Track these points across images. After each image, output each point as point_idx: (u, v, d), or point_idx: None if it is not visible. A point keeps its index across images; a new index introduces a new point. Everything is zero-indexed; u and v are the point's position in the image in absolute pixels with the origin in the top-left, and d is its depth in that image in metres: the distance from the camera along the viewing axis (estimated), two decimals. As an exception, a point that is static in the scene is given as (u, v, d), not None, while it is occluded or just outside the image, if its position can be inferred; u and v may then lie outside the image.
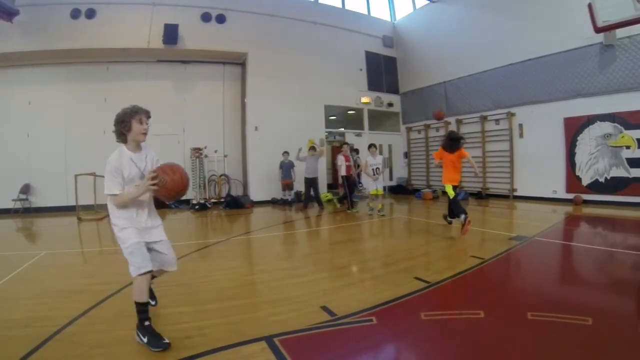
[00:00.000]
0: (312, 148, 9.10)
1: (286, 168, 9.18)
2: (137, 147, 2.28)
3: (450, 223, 5.80)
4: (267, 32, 10.49)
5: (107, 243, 5.80)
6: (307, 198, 8.98)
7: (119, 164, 2.16)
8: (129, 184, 2.19)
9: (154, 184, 2.07)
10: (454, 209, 5.31)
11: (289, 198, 9.68)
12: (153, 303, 2.58)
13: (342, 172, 7.97)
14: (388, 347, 2.12)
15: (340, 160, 7.89)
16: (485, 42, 10.02)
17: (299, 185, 9.54)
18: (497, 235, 5.20)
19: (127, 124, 2.20)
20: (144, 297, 2.16)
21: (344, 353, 2.03)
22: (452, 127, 11.27)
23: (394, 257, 4.39)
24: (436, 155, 5.71)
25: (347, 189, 8.04)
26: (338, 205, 7.42)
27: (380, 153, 12.64)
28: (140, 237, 2.21)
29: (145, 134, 2.25)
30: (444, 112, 6.15)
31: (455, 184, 5.40)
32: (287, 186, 9.34)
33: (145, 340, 2.07)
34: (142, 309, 2.15)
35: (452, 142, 5.43)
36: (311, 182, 8.84)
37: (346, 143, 7.77)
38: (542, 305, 2.58)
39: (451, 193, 5.30)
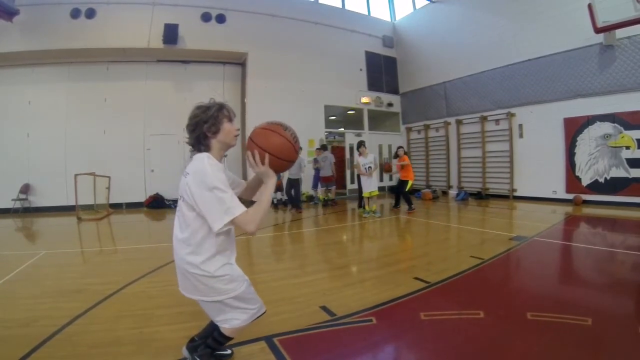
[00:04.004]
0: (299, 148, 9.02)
1: None
2: (222, 156, 1.69)
3: (413, 209, 7.77)
4: (267, 32, 10.50)
5: (107, 243, 5.81)
6: (291, 198, 8.89)
7: (222, 173, 1.55)
8: None
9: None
10: (409, 199, 8.00)
11: (282, 198, 9.65)
12: (229, 352, 2.05)
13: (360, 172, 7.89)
14: (388, 347, 2.12)
15: (357, 160, 7.85)
16: (485, 42, 10.02)
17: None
18: (497, 235, 5.20)
19: (215, 123, 1.60)
20: (236, 335, 1.82)
21: (343, 353, 2.03)
22: (452, 128, 11.30)
23: (394, 257, 4.40)
24: (407, 159, 8.06)
25: (360, 188, 7.99)
26: (364, 215, 7.41)
27: (380, 153, 12.70)
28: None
29: (237, 136, 1.71)
30: (389, 165, 9.04)
31: None
32: (277, 187, 9.26)
33: None
34: (224, 342, 1.82)
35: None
36: (292, 183, 8.79)
37: (363, 142, 7.73)
38: (542, 305, 2.58)
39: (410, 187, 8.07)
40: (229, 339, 1.79)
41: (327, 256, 4.52)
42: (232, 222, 1.47)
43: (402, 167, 8.07)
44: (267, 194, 1.61)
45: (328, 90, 11.37)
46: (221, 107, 1.65)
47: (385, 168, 8.91)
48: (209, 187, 1.46)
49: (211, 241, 1.58)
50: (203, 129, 1.60)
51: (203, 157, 1.57)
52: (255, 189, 1.87)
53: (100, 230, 6.68)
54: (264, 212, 1.55)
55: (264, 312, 1.78)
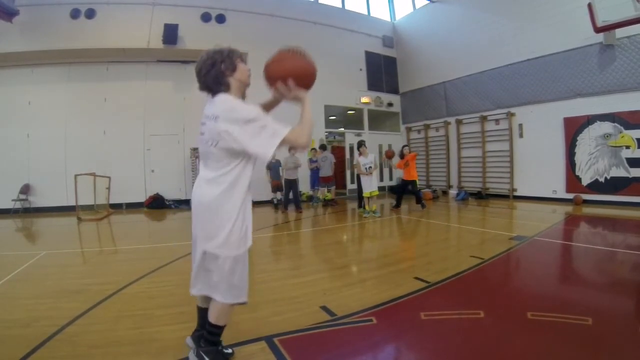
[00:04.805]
0: (292, 148, 8.95)
1: (274, 168, 8.99)
2: (240, 98, 1.70)
3: (424, 207, 8.09)
4: (267, 32, 10.49)
5: (107, 243, 5.81)
6: (287, 200, 8.86)
7: (252, 105, 1.59)
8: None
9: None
10: (421, 197, 8.31)
11: (282, 199, 9.61)
12: (230, 351, 2.00)
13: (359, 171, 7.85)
14: (388, 347, 2.12)
15: (357, 160, 7.84)
16: (485, 42, 10.03)
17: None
18: (497, 235, 5.19)
19: (232, 62, 1.65)
20: (227, 320, 1.81)
21: (344, 353, 2.03)
22: (452, 127, 11.30)
23: (394, 257, 4.40)
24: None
25: (360, 188, 7.97)
26: (364, 215, 7.35)
27: (380, 153, 12.69)
28: None
29: (250, 76, 1.75)
30: (392, 152, 9.14)
31: None
32: (277, 187, 9.23)
33: None
34: (220, 332, 1.81)
35: None
36: (290, 184, 8.71)
37: (363, 141, 7.70)
38: (542, 305, 2.58)
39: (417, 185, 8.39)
40: (220, 327, 1.78)
41: (327, 256, 4.52)
42: (282, 142, 1.50)
43: (406, 165, 8.07)
44: (307, 110, 1.64)
45: (328, 90, 11.34)
46: (232, 49, 1.70)
47: (386, 154, 8.87)
48: (246, 119, 1.48)
49: (245, 177, 1.61)
50: (221, 67, 1.62)
51: (227, 97, 1.59)
52: (267, 108, 1.92)
53: (101, 231, 6.69)
54: (310, 126, 1.61)
55: (244, 303, 1.76)
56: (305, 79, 1.67)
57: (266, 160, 1.53)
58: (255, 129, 1.48)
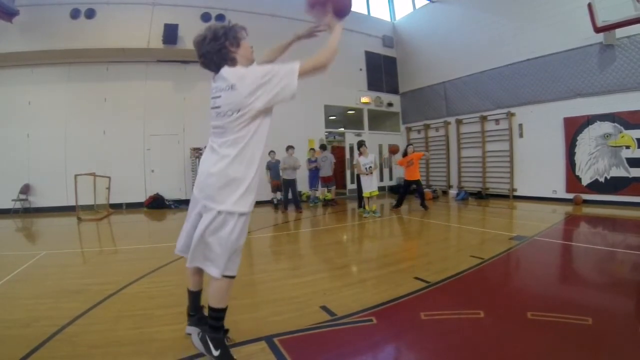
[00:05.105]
0: (290, 147, 8.95)
1: (274, 169, 9.00)
2: None
3: (427, 208, 7.90)
4: (267, 32, 10.44)
5: (107, 243, 5.81)
6: (287, 200, 8.84)
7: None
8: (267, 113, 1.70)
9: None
10: (424, 198, 8.13)
11: (282, 198, 9.61)
12: (226, 328, 1.99)
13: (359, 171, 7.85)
14: (388, 347, 2.12)
15: (357, 160, 7.85)
16: (485, 42, 10.02)
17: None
18: (497, 235, 5.19)
19: (236, 37, 1.67)
20: (227, 301, 1.79)
21: (344, 353, 2.03)
22: (452, 127, 11.30)
23: (394, 257, 4.40)
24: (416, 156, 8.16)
25: (360, 188, 7.96)
26: (364, 215, 7.30)
27: (380, 153, 12.70)
28: None
29: (253, 52, 1.80)
30: (396, 147, 9.07)
31: None
32: (277, 187, 9.23)
33: (217, 353, 1.73)
34: (222, 316, 1.78)
35: None
36: (289, 184, 8.70)
37: (363, 141, 7.69)
38: (542, 305, 2.58)
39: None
40: (222, 310, 1.79)
41: (327, 256, 4.52)
42: (303, 71, 1.61)
43: (410, 164, 8.04)
44: (334, 37, 1.73)
45: (328, 90, 11.36)
46: (233, 23, 1.73)
47: (390, 150, 8.89)
48: (261, 76, 1.57)
49: (262, 135, 1.69)
50: (225, 43, 1.64)
51: (232, 68, 1.65)
52: (274, 53, 2.14)
53: (101, 231, 6.69)
54: (334, 48, 1.69)
55: (234, 277, 1.80)
56: (341, 7, 1.80)
57: (294, 95, 1.60)
58: (272, 76, 1.56)
